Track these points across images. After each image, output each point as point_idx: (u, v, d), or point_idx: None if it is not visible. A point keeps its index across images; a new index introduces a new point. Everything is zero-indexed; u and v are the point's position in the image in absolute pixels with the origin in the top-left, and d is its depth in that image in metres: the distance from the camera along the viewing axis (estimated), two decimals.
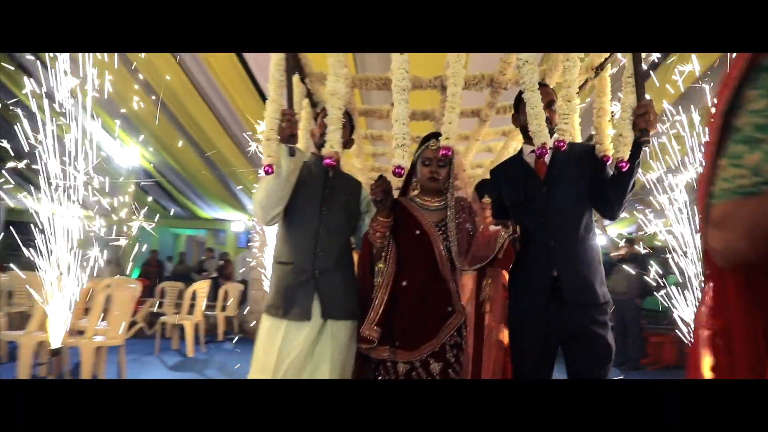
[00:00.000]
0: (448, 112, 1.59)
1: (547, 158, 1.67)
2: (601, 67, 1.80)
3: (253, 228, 6.76)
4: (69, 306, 3.38)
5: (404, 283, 1.66)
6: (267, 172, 1.57)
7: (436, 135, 1.71)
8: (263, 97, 5.95)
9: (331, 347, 1.64)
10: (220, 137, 6.87)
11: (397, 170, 1.53)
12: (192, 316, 5.06)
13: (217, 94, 5.97)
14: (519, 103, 1.72)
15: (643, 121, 1.44)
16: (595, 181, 1.62)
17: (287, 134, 1.54)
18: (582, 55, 1.65)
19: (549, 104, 1.67)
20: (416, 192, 1.82)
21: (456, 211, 1.69)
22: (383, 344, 1.62)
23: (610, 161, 1.62)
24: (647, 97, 1.46)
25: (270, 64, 1.61)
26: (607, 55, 1.73)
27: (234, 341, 5.92)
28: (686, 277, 3.40)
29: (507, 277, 1.65)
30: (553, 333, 1.56)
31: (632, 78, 1.53)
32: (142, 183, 7.80)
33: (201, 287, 5.17)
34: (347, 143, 1.85)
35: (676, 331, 3.70)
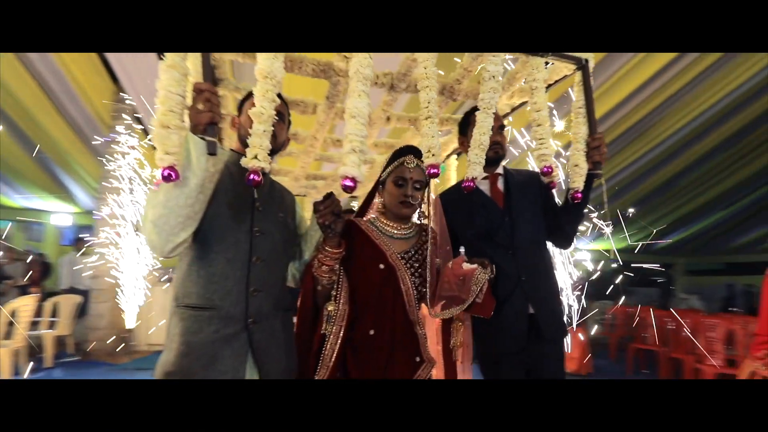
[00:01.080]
0: (429, 124, 1.31)
1: (501, 185, 1.63)
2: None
3: (95, 223, 5.55)
4: None
5: (371, 332, 1.37)
6: (167, 179, 1.02)
7: (413, 150, 1.46)
8: (109, 68, 4.92)
9: None
10: (44, 111, 5.50)
11: (347, 182, 1.14)
12: (10, 342, 3.89)
13: (43, 59, 4.76)
14: (467, 126, 1.58)
15: (597, 153, 1.49)
16: (546, 210, 1.62)
17: (205, 121, 1.05)
18: (546, 76, 1.64)
19: (500, 128, 1.62)
20: (375, 215, 1.54)
21: (424, 241, 1.47)
22: None
23: (555, 187, 1.63)
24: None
25: None
26: (555, 78, 1.76)
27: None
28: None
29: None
30: (523, 369, 1.51)
31: (583, 109, 1.59)
32: None
33: (24, 305, 3.99)
34: (284, 144, 1.40)
35: None
